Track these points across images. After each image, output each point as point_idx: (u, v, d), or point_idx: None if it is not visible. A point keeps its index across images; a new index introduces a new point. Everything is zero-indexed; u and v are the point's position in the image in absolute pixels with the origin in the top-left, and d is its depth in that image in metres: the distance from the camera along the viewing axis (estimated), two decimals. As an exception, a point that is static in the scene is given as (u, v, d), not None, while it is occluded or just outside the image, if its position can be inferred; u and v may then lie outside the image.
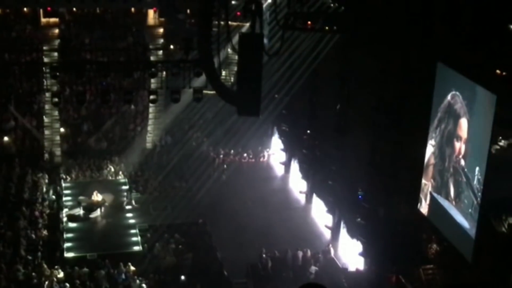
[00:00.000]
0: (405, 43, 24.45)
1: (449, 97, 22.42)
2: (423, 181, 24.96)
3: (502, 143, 23.33)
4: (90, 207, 31.91)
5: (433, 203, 24.36)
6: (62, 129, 37.54)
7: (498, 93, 19.39)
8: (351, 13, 28.94)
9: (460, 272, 23.39)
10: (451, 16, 22.81)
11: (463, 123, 21.80)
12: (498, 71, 21.58)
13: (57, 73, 27.63)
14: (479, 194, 20.72)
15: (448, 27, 22.76)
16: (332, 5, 30.12)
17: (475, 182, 20.92)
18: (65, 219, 31.37)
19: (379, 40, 26.04)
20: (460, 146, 22.18)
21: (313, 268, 27.55)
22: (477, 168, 20.76)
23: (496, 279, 21.57)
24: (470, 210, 21.49)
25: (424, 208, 25.13)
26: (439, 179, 23.84)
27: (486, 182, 20.38)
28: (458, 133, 22.22)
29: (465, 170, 21.69)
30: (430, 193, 24.47)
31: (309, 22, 29.13)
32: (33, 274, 26.38)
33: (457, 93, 21.89)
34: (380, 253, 26.19)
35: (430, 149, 24.37)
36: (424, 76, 23.76)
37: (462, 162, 21.93)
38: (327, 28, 29.68)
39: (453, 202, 22.80)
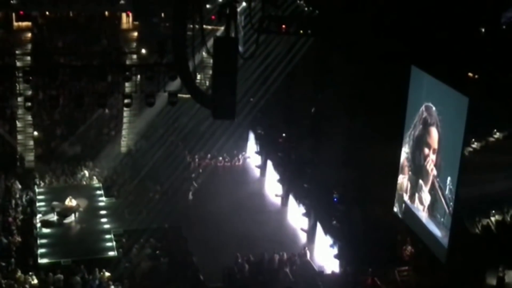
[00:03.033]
0: (380, 46, 24.61)
1: (423, 107, 22.57)
2: (398, 185, 25.13)
3: (475, 145, 23.61)
4: (64, 213, 31.55)
5: (407, 210, 24.56)
6: (35, 134, 37.14)
7: (470, 96, 19.58)
8: (325, 16, 29.10)
9: (434, 273, 23.60)
10: (425, 20, 23.05)
11: (434, 132, 21.92)
12: (470, 74, 21.84)
13: (30, 77, 27.27)
14: (451, 203, 20.86)
15: (422, 31, 22.98)
16: (306, 8, 30.29)
17: (447, 192, 21.05)
18: (39, 224, 30.97)
19: (353, 43, 26.20)
20: (429, 154, 22.33)
21: (289, 271, 27.56)
22: (449, 178, 20.86)
23: (470, 280, 21.79)
24: (442, 220, 21.62)
25: (398, 211, 25.31)
26: (412, 186, 24.02)
27: (459, 184, 20.51)
28: (427, 140, 22.36)
29: (438, 179, 21.82)
30: (404, 201, 24.66)
31: (283, 26, 29.22)
32: (6, 280, 26.03)
33: (430, 104, 22.03)
34: (355, 255, 26.31)
35: (404, 156, 24.55)
36: (399, 80, 23.92)
37: (435, 172, 22.05)
38: (301, 31, 29.81)
39: (426, 212, 22.96)
